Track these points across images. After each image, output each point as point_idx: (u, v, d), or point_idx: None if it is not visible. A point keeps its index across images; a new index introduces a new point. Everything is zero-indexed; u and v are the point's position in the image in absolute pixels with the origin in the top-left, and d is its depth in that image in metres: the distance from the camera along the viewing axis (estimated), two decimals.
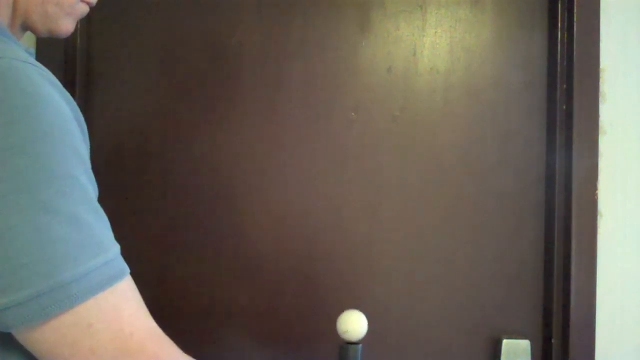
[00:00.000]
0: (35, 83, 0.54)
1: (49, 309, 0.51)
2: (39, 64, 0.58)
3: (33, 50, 0.69)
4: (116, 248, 0.58)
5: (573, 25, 1.18)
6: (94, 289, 0.53)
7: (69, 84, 1.22)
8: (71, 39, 1.22)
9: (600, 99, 1.18)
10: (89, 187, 0.57)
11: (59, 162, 0.53)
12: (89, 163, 0.59)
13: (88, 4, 0.71)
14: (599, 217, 1.18)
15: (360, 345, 0.89)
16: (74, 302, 0.52)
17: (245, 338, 1.23)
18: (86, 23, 1.24)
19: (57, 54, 1.20)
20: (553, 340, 1.19)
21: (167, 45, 1.24)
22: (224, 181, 1.23)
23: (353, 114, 1.23)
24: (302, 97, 1.23)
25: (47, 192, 0.52)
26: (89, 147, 0.61)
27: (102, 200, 1.34)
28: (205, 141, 1.23)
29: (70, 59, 1.22)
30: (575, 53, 1.18)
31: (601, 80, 1.18)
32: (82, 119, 0.60)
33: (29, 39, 1.20)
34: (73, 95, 1.22)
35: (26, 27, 0.69)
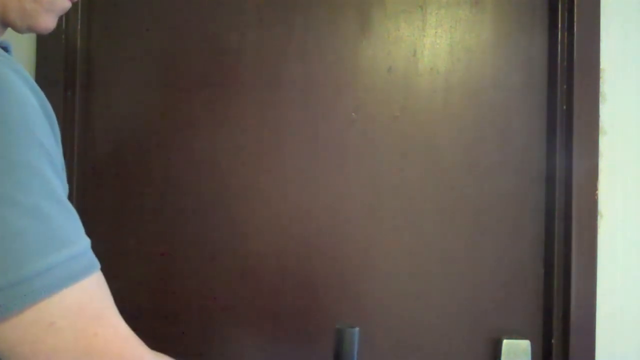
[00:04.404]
0: None
1: (9, 305, 0.49)
2: (5, 54, 0.56)
3: (8, 43, 0.66)
4: (84, 242, 0.55)
5: (573, 25, 1.18)
6: (56, 284, 0.51)
7: (69, 84, 1.22)
8: (71, 39, 1.22)
9: (600, 99, 1.18)
10: (53, 179, 0.54)
11: (18, 152, 0.51)
12: (57, 156, 0.56)
13: None
14: (599, 217, 1.18)
15: (357, 329, 0.88)
16: (35, 298, 0.50)
17: (245, 337, 1.23)
18: (86, 23, 1.24)
19: (57, 54, 1.20)
20: (553, 340, 1.19)
21: (167, 45, 1.24)
22: (224, 181, 1.23)
23: (353, 114, 1.23)
24: (302, 97, 1.23)
25: (6, 183, 0.50)
26: (59, 139, 0.58)
27: (102, 200, 1.34)
28: (205, 141, 1.23)
29: (70, 59, 1.22)
30: (575, 53, 1.18)
31: (601, 80, 1.18)
32: (52, 112, 0.57)
33: (30, 40, 1.20)
34: (73, 95, 1.22)
35: (5, 24, 0.66)
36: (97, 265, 0.56)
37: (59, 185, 0.55)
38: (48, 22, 0.67)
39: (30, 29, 0.66)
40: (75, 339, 0.52)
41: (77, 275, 0.52)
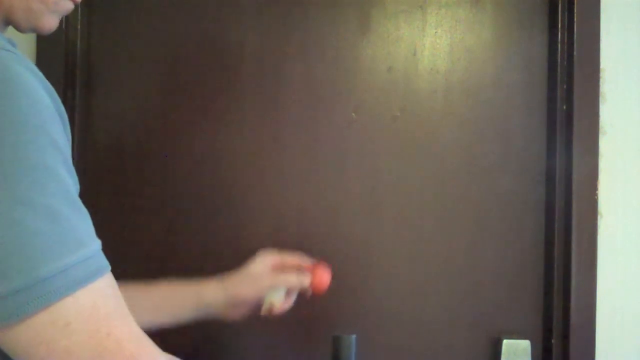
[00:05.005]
0: (12, 70, 0.53)
1: (26, 306, 0.49)
2: (17, 52, 0.56)
3: (13, 41, 0.65)
4: (96, 244, 0.55)
5: (573, 25, 1.18)
6: (72, 285, 0.51)
7: (69, 84, 1.22)
8: (71, 39, 1.22)
9: (600, 99, 1.18)
10: (68, 180, 0.54)
11: (35, 153, 0.51)
12: (69, 155, 0.56)
13: (73, 1, 0.68)
14: (599, 217, 1.18)
15: (354, 336, 0.88)
16: (51, 299, 0.50)
17: (244, 337, 1.23)
18: (86, 23, 1.24)
19: (57, 54, 1.20)
20: (553, 340, 1.19)
21: (167, 45, 1.24)
22: (224, 181, 1.23)
23: (353, 114, 1.23)
24: (302, 97, 1.23)
25: (23, 183, 0.50)
26: (70, 139, 0.59)
27: (102, 200, 1.34)
28: (205, 141, 1.23)
29: (70, 59, 1.22)
30: (575, 53, 1.18)
31: (601, 80, 1.18)
32: (63, 110, 0.57)
33: (30, 40, 1.20)
34: (73, 95, 1.22)
35: (8, 22, 0.66)
36: (108, 266, 0.56)
37: (72, 185, 0.55)
38: (52, 23, 0.67)
39: (33, 29, 0.67)
40: (88, 340, 0.52)
41: (91, 277, 0.53)
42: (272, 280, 0.93)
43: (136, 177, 1.23)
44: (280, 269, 0.96)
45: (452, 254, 1.22)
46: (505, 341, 1.19)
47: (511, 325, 1.22)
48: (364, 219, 1.22)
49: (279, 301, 0.94)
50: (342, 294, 1.22)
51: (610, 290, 1.18)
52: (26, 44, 1.19)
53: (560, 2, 1.20)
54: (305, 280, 0.93)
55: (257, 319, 1.22)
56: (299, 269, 0.96)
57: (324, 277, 0.94)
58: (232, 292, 0.94)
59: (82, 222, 0.54)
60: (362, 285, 1.22)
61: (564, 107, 1.20)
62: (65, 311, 0.51)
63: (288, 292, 0.95)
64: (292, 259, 0.97)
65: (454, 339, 1.22)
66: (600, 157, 1.18)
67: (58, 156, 0.53)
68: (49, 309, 0.50)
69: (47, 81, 0.56)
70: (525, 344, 1.19)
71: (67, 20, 1.21)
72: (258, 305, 0.95)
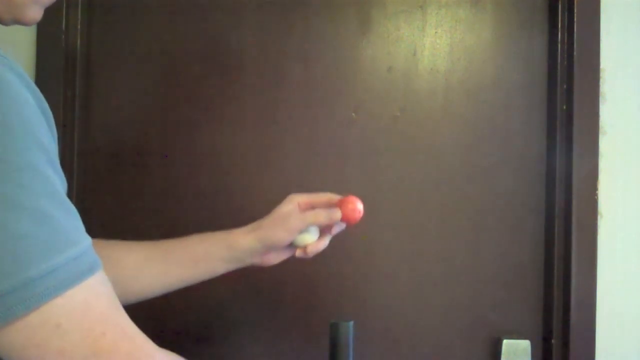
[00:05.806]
0: None
1: (14, 309, 0.49)
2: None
3: None
4: (86, 242, 0.54)
5: (573, 25, 1.18)
6: (61, 286, 0.50)
7: (69, 84, 1.22)
8: (71, 39, 1.22)
9: (600, 99, 1.18)
10: (54, 179, 0.53)
11: (19, 154, 0.50)
12: (55, 154, 0.55)
13: None
14: (599, 217, 1.18)
15: (352, 323, 0.87)
16: (40, 301, 0.49)
17: (244, 337, 1.23)
18: (86, 23, 1.24)
19: (57, 54, 1.20)
20: (553, 340, 1.19)
21: (167, 46, 1.24)
22: (224, 181, 1.23)
23: (353, 114, 1.23)
24: (302, 97, 1.23)
25: (8, 185, 0.49)
26: (56, 137, 0.58)
27: (102, 200, 1.34)
28: (205, 141, 1.23)
29: (70, 59, 1.22)
30: (575, 53, 1.18)
31: (601, 80, 1.18)
32: (48, 108, 0.56)
33: (30, 40, 1.20)
34: (73, 95, 1.22)
35: None
36: (100, 264, 0.55)
37: (59, 184, 0.54)
38: (35, 14, 0.65)
39: (15, 21, 0.65)
40: (82, 340, 0.51)
41: (81, 275, 0.52)
42: (301, 219, 0.89)
43: (136, 177, 1.23)
44: (310, 208, 0.92)
45: (452, 254, 1.22)
46: (505, 341, 1.19)
47: (511, 325, 1.22)
48: (363, 219, 1.22)
49: (312, 241, 0.91)
50: (341, 294, 1.22)
51: (610, 290, 1.18)
52: (26, 44, 1.19)
53: (560, 2, 1.20)
54: (335, 215, 0.90)
55: (259, 310, 1.22)
56: (328, 205, 0.93)
57: (355, 208, 0.91)
58: (263, 237, 0.90)
59: (70, 221, 0.54)
60: (361, 285, 1.22)
61: (564, 107, 1.20)
62: (56, 312, 0.50)
63: (322, 232, 0.92)
64: (321, 197, 0.93)
65: (454, 339, 1.22)
66: (600, 157, 1.18)
67: (43, 156, 0.52)
68: (39, 310, 0.49)
69: (29, 79, 0.55)
70: (525, 344, 1.19)
71: (67, 20, 1.21)
72: (293, 249, 0.92)
